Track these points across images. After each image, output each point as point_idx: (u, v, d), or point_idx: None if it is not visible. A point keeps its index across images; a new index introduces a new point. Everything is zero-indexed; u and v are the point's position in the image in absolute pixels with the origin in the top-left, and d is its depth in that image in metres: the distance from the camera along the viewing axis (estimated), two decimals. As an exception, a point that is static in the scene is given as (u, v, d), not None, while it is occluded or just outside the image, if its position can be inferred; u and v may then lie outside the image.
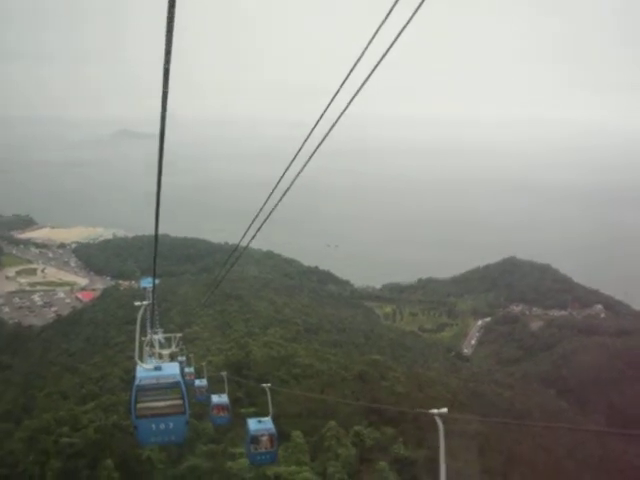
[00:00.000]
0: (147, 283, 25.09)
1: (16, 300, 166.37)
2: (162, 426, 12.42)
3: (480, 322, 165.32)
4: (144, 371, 12.66)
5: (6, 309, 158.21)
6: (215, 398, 24.96)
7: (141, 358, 14.17)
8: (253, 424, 16.70)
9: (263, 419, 16.88)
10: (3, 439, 48.02)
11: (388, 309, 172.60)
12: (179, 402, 12.55)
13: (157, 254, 12.55)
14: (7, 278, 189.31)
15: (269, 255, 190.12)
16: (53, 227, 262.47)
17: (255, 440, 16.44)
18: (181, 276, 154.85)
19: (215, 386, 32.31)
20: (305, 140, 8.13)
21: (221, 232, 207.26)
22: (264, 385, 17.95)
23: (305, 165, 8.45)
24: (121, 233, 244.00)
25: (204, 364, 33.92)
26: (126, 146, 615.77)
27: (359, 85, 6.58)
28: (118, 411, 43.61)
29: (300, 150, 8.39)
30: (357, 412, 45.05)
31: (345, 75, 6.67)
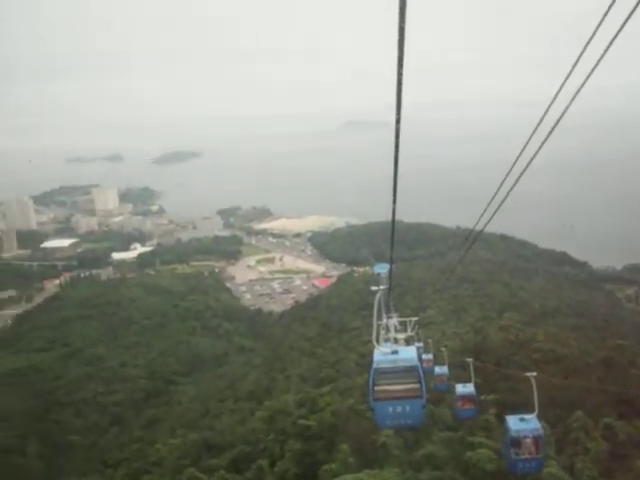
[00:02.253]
0: (381, 269, 25.94)
1: (257, 288, 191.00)
2: (399, 409, 13.76)
3: None
4: (382, 355, 14.00)
5: (248, 296, 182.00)
6: (460, 388, 25.12)
7: (378, 342, 15.15)
8: (514, 422, 15.57)
9: (526, 417, 15.63)
10: (246, 417, 54.84)
11: (630, 291, 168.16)
12: (416, 386, 13.71)
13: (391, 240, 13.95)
14: (248, 267, 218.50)
15: (502, 238, 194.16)
16: (289, 217, 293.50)
17: (516, 442, 15.27)
18: (414, 261, 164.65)
19: (453, 372, 32.41)
20: (542, 119, 8.44)
21: (453, 216, 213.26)
22: (529, 374, 16.45)
23: (542, 145, 8.79)
24: (354, 221, 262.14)
25: (444, 350, 34.06)
26: (355, 136, 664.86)
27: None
28: (354, 395, 46.21)
29: (536, 129, 8.64)
30: (605, 402, 43.11)
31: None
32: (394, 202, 9.02)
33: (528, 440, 15.12)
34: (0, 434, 74.47)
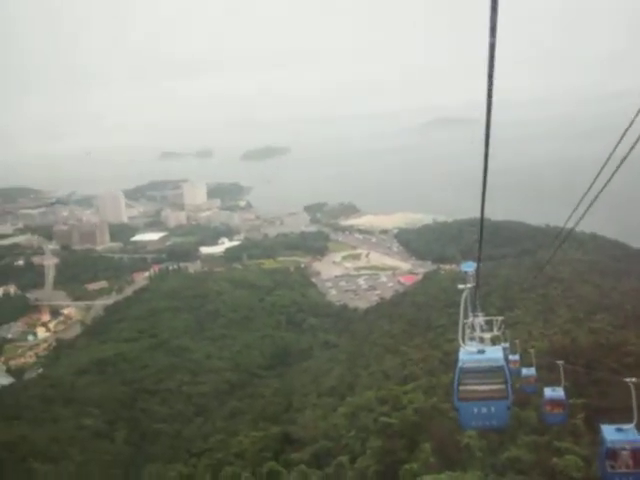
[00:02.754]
0: (468, 267, 25.77)
1: (342, 284, 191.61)
2: (484, 410, 13.61)
3: None
4: (467, 354, 13.93)
5: (333, 292, 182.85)
6: (549, 392, 24.03)
7: (464, 341, 15.08)
8: (610, 432, 13.94)
9: (624, 427, 14.01)
10: (328, 412, 55.04)
11: None
12: (502, 387, 13.58)
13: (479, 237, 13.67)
14: (334, 263, 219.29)
15: (593, 237, 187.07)
16: (375, 214, 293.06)
17: (612, 454, 13.66)
18: (501, 259, 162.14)
19: (541, 374, 31.45)
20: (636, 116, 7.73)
21: (541, 215, 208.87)
22: (627, 380, 14.52)
23: (637, 141, 8.21)
24: (441, 218, 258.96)
25: (532, 351, 33.10)
26: (443, 132, 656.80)
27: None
28: (437, 394, 45.51)
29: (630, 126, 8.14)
30: None
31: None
32: (483, 199, 8.92)
33: (626, 452, 13.54)
34: (91, 420, 77.12)
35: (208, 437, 63.50)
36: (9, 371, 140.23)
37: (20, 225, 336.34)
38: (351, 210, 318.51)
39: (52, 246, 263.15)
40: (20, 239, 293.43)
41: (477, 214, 10.17)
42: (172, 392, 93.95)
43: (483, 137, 7.06)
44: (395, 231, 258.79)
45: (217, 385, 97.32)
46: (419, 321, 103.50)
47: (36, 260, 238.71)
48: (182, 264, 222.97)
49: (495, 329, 19.13)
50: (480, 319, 21.13)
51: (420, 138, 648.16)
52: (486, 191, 8.61)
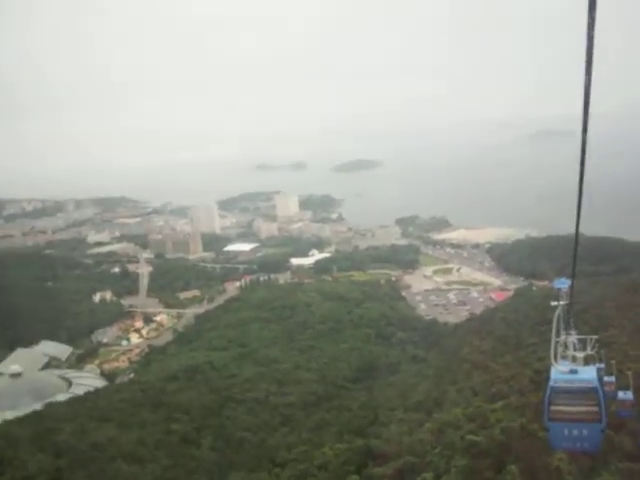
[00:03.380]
0: (561, 284, 25.05)
1: (432, 298, 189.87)
2: (575, 432, 13.33)
3: None
4: (559, 373, 13.77)
5: (423, 306, 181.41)
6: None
7: (556, 360, 14.94)
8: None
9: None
10: (414, 428, 54.08)
11: None
12: (595, 409, 13.49)
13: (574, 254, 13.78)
14: (425, 276, 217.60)
15: None
16: (467, 228, 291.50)
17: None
18: (596, 277, 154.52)
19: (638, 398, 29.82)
20: None
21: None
22: None
23: None
24: (534, 233, 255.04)
25: (629, 373, 31.55)
26: (545, 145, 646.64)
27: None
28: (527, 413, 44.02)
29: None
30: None
31: None
32: (578, 215, 8.81)
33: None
34: (179, 425, 78.41)
35: (292, 448, 63.46)
36: (103, 374, 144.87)
37: (117, 233, 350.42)
38: (443, 224, 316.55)
39: (147, 254, 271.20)
40: (117, 247, 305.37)
41: (573, 229, 9.68)
42: (259, 401, 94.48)
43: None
44: (487, 246, 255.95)
45: (303, 396, 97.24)
46: (509, 338, 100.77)
47: (131, 268, 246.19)
48: (272, 275, 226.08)
49: (589, 348, 18.16)
50: (573, 337, 20.33)
51: (522, 150, 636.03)
52: (581, 206, 8.46)
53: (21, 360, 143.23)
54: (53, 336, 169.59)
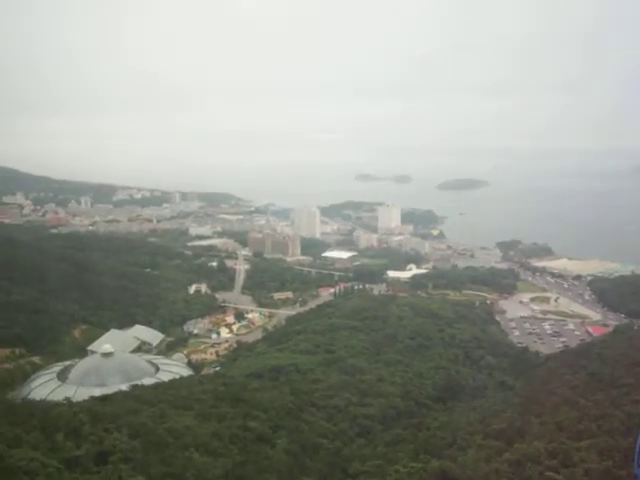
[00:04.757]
0: None
1: (526, 326, 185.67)
2: None
3: None
4: None
5: (516, 333, 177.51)
6: None
7: None
8: None
9: None
10: (492, 456, 52.20)
11: None
12: None
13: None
14: (521, 303, 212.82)
15: None
16: (570, 258, 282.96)
17: None
18: None
19: None
20: None
21: None
22: None
23: None
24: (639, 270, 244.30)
25: None
26: None
27: None
28: (614, 457, 41.82)
29: None
30: None
31: None
32: None
33: None
34: (257, 423, 78.71)
35: (367, 460, 62.62)
36: (190, 364, 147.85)
37: (219, 228, 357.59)
38: (545, 251, 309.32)
39: (245, 252, 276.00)
40: (217, 241, 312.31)
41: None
42: (339, 409, 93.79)
43: None
44: (589, 278, 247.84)
45: (384, 409, 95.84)
46: (604, 376, 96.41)
47: (229, 263, 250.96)
48: (367, 285, 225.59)
49: None
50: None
51: (625, 181, 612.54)
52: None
53: (114, 341, 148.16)
54: (147, 321, 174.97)
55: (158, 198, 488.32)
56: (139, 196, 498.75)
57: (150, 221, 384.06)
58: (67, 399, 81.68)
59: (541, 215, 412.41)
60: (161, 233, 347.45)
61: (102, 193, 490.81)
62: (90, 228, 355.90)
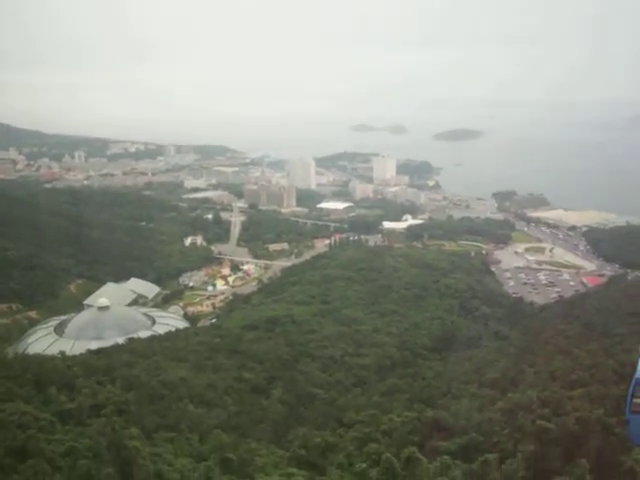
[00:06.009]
0: None
1: (521, 276, 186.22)
2: None
3: None
4: None
5: (511, 283, 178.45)
6: None
7: None
8: None
9: None
10: (485, 405, 52.44)
11: None
12: None
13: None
14: (516, 253, 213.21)
15: None
16: (566, 209, 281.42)
17: None
18: None
19: None
20: None
21: None
22: None
23: None
24: (635, 221, 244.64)
25: None
26: None
27: None
28: (605, 406, 41.78)
29: None
30: None
31: None
32: None
33: None
34: (251, 374, 79.22)
35: (361, 410, 62.81)
36: (186, 316, 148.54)
37: (214, 181, 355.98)
38: (541, 202, 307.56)
39: (241, 204, 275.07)
40: (212, 194, 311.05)
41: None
42: (334, 360, 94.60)
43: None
44: (584, 229, 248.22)
45: (379, 360, 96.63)
46: (597, 325, 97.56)
47: (224, 215, 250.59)
48: (363, 236, 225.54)
49: None
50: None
51: (621, 133, 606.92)
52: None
53: (110, 294, 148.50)
54: (142, 275, 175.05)
55: (152, 151, 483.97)
56: (133, 149, 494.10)
57: (145, 174, 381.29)
58: (61, 352, 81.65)
59: (540, 166, 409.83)
60: (156, 186, 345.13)
61: (96, 147, 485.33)
62: (85, 182, 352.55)
